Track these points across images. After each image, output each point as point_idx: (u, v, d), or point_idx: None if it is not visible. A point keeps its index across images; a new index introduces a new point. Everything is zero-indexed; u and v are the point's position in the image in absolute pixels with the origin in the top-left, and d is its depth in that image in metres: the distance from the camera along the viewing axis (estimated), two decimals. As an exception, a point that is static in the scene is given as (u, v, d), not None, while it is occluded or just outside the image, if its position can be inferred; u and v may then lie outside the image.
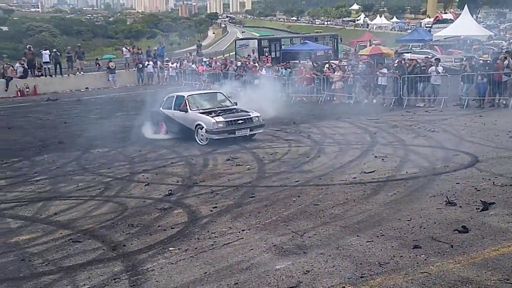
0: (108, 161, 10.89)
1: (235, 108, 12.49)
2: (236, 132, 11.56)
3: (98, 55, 43.68)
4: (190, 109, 12.24)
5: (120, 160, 11.00)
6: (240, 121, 11.67)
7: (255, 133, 12.12)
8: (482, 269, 4.22)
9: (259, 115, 12.00)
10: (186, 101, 12.43)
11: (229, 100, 13.13)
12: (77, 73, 27.70)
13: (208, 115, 11.85)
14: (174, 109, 12.72)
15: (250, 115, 11.88)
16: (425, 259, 4.55)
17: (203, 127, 11.66)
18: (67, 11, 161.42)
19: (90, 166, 10.48)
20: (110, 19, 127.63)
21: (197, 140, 11.91)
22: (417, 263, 4.49)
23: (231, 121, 11.61)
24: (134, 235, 6.06)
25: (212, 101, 12.93)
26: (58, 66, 26.77)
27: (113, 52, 50.45)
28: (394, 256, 4.68)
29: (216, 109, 12.32)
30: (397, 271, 4.35)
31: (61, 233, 6.40)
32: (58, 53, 27.28)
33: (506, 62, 14.87)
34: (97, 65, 29.64)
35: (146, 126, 13.74)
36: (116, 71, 28.25)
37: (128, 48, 31.61)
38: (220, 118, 11.60)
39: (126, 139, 13.39)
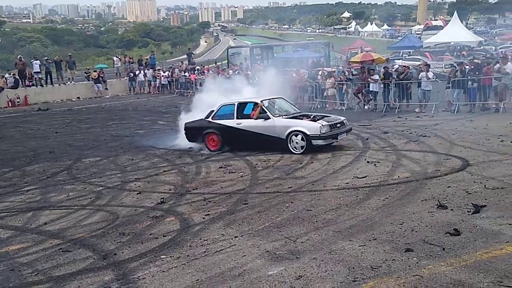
0: (100, 170, 10.82)
1: (311, 114, 11.73)
2: (339, 136, 10.78)
3: (90, 65, 43.63)
4: (273, 116, 11.08)
5: (112, 169, 10.93)
6: (339, 125, 10.88)
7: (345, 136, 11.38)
8: (475, 272, 4.22)
9: (346, 119, 11.40)
10: (262, 107, 11.19)
11: (293, 105, 12.36)
12: (68, 82, 27.62)
13: (302, 120, 10.92)
14: (238, 118, 11.44)
15: (342, 119, 11.15)
16: (417, 262, 4.54)
17: (302, 133, 10.53)
18: (58, 22, 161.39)
19: (81, 175, 10.41)
20: (102, 29, 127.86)
21: (291, 148, 10.71)
22: (409, 266, 4.47)
23: (333, 124, 10.73)
24: (125, 243, 6.00)
25: (284, 107, 11.85)
26: (48, 76, 26.69)
27: (104, 62, 50.34)
28: (386, 260, 4.67)
29: (298, 114, 11.45)
30: (389, 274, 4.34)
31: (51, 242, 6.33)
32: (50, 62, 27.16)
33: (496, 66, 15.01)
34: (86, 73, 29.57)
35: (179, 141, 12.61)
36: (102, 80, 28.13)
37: (119, 57, 31.64)
38: (324, 122, 10.65)
39: (118, 148, 13.36)
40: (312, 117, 11.14)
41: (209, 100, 12.85)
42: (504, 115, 13.71)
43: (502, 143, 9.83)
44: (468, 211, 5.87)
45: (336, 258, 4.86)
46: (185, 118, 13.08)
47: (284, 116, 11.15)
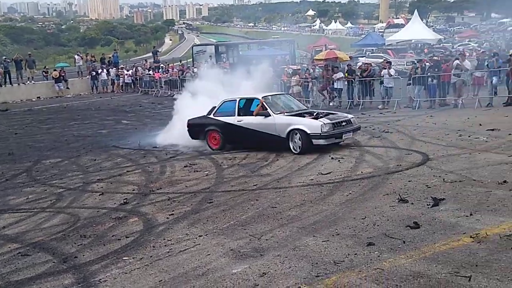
0: (61, 171, 10.55)
1: (315, 111, 10.96)
2: (343, 135, 10.06)
3: (51, 63, 42.50)
4: (274, 113, 10.43)
5: (73, 170, 10.68)
6: (344, 123, 10.18)
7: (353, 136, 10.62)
8: (433, 263, 4.32)
9: (354, 116, 10.87)
10: (263, 103, 10.52)
11: (299, 103, 11.83)
12: (28, 82, 26.79)
13: (303, 118, 10.22)
14: (239, 115, 10.86)
15: (348, 117, 10.51)
16: (379, 256, 4.62)
17: (302, 132, 9.85)
18: (17, 20, 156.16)
19: (41, 177, 10.12)
20: (63, 27, 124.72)
21: (292, 148, 10.08)
22: (371, 259, 4.55)
23: (337, 123, 10.02)
24: (86, 246, 5.86)
25: (287, 104, 11.26)
26: (7, 75, 25.81)
27: (66, 60, 49.12)
28: (348, 254, 4.73)
29: (302, 111, 10.77)
30: (351, 268, 4.40)
31: (9, 247, 6.12)
32: (9, 61, 26.28)
33: (454, 63, 15.46)
34: (44, 72, 28.74)
35: (174, 138, 12.12)
36: (63, 80, 27.43)
37: (80, 55, 30.87)
38: (326, 120, 9.96)
39: (80, 148, 13.06)
40: (315, 114, 10.46)
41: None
42: (462, 110, 14.14)
43: (460, 138, 10.13)
44: (427, 205, 6.01)
45: (300, 254, 4.89)
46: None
47: (286, 113, 10.50)
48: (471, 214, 5.49)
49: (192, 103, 12.82)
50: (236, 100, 11.12)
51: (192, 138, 11.74)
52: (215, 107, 11.36)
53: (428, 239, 4.92)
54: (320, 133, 9.76)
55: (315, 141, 9.85)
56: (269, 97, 11.08)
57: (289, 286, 4.20)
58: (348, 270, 4.38)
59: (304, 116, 10.33)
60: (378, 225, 5.49)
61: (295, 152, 9.98)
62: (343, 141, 10.24)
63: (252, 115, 10.67)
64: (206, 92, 12.83)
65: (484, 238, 4.74)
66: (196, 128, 11.60)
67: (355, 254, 4.74)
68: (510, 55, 15.24)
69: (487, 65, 15.30)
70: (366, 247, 4.87)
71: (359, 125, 10.69)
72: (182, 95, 14.52)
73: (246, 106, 11.05)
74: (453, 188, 6.62)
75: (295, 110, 10.88)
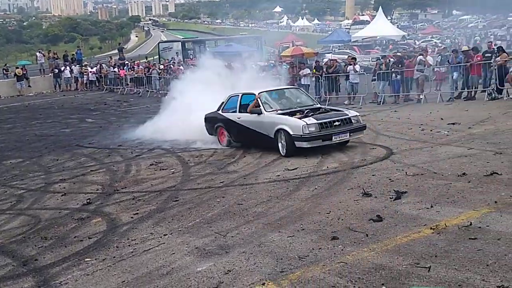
0: (22, 172, 10.26)
1: (321, 108, 10.06)
2: (334, 137, 8.99)
3: (12, 61, 41.18)
4: (265, 110, 9.68)
5: (35, 170, 10.39)
6: (337, 123, 9.13)
7: (354, 138, 9.57)
8: (394, 255, 4.40)
9: (357, 114, 9.70)
10: (258, 99, 9.80)
11: (311, 98, 10.81)
12: (-13, 80, 25.92)
13: (291, 116, 9.36)
14: (240, 112, 10.22)
15: (348, 115, 9.42)
16: (342, 249, 4.67)
17: (286, 133, 9.08)
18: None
19: (1, 178, 9.83)
20: (24, 24, 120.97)
21: (280, 150, 9.33)
22: (335, 253, 4.59)
23: (325, 123, 9.03)
24: (47, 248, 5.71)
25: (290, 100, 10.36)
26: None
27: (28, 58, 47.71)
28: (313, 249, 4.76)
29: (299, 108, 9.80)
30: (316, 263, 4.43)
31: (-34, 251, 5.90)
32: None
33: (418, 59, 15.79)
34: (4, 70, 27.83)
35: (191, 133, 11.54)
36: (25, 77, 26.64)
37: (42, 53, 30.04)
38: (311, 120, 9.03)
39: (42, 148, 12.72)
40: (306, 112, 9.49)
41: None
42: (425, 105, 14.47)
43: (422, 132, 10.36)
44: (390, 198, 6.12)
45: (265, 250, 4.90)
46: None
47: (279, 111, 9.67)
48: (431, 206, 5.62)
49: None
50: (239, 95, 10.53)
51: (208, 133, 11.36)
52: (223, 102, 10.88)
53: (390, 231, 5.01)
54: (302, 135, 8.88)
55: (297, 143, 9.00)
56: (270, 92, 10.29)
57: (253, 282, 4.20)
58: (312, 264, 4.41)
59: (294, 115, 9.42)
60: (342, 219, 5.55)
61: (282, 154, 9.28)
62: (335, 143, 9.19)
63: (251, 112, 9.96)
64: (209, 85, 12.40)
65: (444, 229, 4.86)
66: (209, 123, 11.24)
67: (320, 248, 4.78)
68: (463, 50, 15.68)
69: (448, 60, 15.71)
70: (330, 241, 4.92)
71: (363, 124, 9.60)
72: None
73: (248, 102, 10.23)
74: (415, 181, 6.76)
75: (295, 107, 9.94)
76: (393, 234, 4.93)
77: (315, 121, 9.02)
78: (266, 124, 9.57)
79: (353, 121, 9.36)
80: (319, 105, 10.32)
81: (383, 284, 3.87)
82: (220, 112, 10.86)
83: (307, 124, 8.93)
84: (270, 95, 10.24)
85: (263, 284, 4.14)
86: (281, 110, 9.77)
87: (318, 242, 4.95)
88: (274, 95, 10.37)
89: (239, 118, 10.24)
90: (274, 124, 9.37)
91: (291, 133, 9.01)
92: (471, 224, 4.91)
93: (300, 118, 9.13)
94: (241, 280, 4.27)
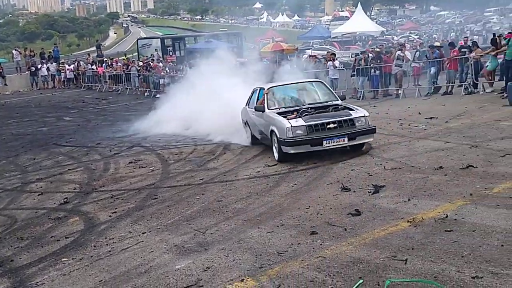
0: (-3, 172, 10.05)
1: (336, 105, 8.74)
2: (325, 142, 7.82)
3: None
4: (268, 108, 8.80)
5: (11, 170, 10.21)
6: (332, 125, 7.91)
7: (361, 143, 8.30)
8: (372, 249, 4.43)
9: (366, 114, 8.21)
10: (265, 95, 9.00)
11: (333, 93, 9.51)
12: (-39, 79, 25.31)
13: (286, 116, 8.32)
14: (254, 108, 9.36)
15: (351, 116, 8.09)
16: (321, 244, 4.69)
17: (275, 136, 8.23)
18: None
19: (-25, 179, 9.59)
20: (0, 21, 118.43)
21: (274, 154, 8.51)
22: (313, 248, 4.61)
23: (316, 125, 7.89)
24: (23, 248, 5.61)
25: (304, 95, 9.31)
26: None
27: (4, 56, 46.73)
28: (292, 244, 4.77)
29: (305, 107, 8.69)
30: (294, 258, 4.44)
31: None
32: None
33: (396, 54, 15.95)
34: None
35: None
36: (1, 76, 26.11)
37: (19, 50, 29.45)
38: (299, 122, 7.95)
39: (19, 147, 12.49)
40: (302, 112, 8.37)
41: None
42: (404, 100, 14.63)
43: (401, 126, 10.46)
44: (368, 192, 6.16)
45: (244, 247, 4.89)
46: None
47: (281, 109, 8.76)
48: (409, 200, 5.68)
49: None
50: (258, 89, 9.79)
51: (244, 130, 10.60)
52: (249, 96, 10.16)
53: (368, 225, 5.05)
54: (286, 138, 7.90)
55: (283, 148, 8.08)
56: (281, 87, 9.37)
57: (232, 279, 4.18)
58: (291, 259, 4.42)
59: (292, 114, 8.35)
60: (321, 214, 5.57)
61: (276, 160, 8.44)
62: (327, 148, 7.97)
63: (256, 109, 9.24)
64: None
65: (420, 222, 4.92)
66: (242, 118, 10.54)
67: (298, 243, 4.79)
68: (436, 46, 15.90)
69: (426, 55, 15.90)
70: (309, 236, 4.93)
71: (371, 126, 8.19)
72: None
73: (259, 97, 9.53)
74: (393, 175, 6.82)
75: (302, 104, 8.88)
76: (371, 228, 4.97)
77: (302, 122, 7.93)
78: (265, 123, 8.80)
79: (357, 123, 8.05)
80: (336, 102, 8.90)
81: (360, 278, 3.89)
82: (246, 107, 10.15)
83: (291, 126, 7.87)
84: (280, 91, 9.27)
85: (242, 280, 4.13)
86: (284, 107, 8.80)
87: (297, 237, 4.96)
88: (285, 90, 9.32)
89: (252, 114, 9.52)
90: (269, 124, 8.57)
91: (278, 136, 8.12)
92: (447, 216, 4.98)
93: (289, 119, 8.09)
94: (220, 276, 4.25)
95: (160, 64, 23.41)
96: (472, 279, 3.66)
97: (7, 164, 10.83)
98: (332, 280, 3.92)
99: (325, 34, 40.83)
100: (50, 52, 29.77)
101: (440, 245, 4.32)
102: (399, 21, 64.99)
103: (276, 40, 33.67)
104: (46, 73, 26.82)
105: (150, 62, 23.49)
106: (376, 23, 49.20)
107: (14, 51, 30.00)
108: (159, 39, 33.98)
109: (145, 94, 22.14)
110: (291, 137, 7.89)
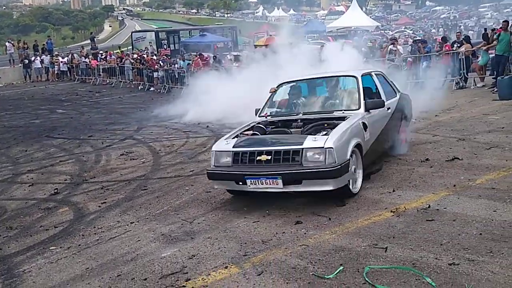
0: (-12, 163, 10.07)
1: (329, 122, 5.97)
2: (249, 181, 5.41)
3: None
4: (260, 113, 6.95)
5: (3, 161, 10.22)
6: (264, 156, 5.39)
7: (311, 191, 5.46)
8: (355, 237, 4.52)
9: (327, 146, 5.22)
10: (270, 95, 7.17)
11: (359, 98, 6.33)
12: (-47, 71, 25.19)
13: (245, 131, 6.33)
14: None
15: (300, 145, 5.33)
16: (305, 233, 4.77)
17: None
18: None
19: (-34, 170, 9.61)
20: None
21: None
22: (297, 237, 4.68)
23: (244, 153, 5.56)
24: (12, 237, 5.66)
25: (312, 99, 6.94)
26: None
27: (-3, 48, 46.53)
28: (277, 233, 4.85)
29: (297, 117, 6.46)
30: (278, 246, 4.51)
31: None
32: None
33: (389, 48, 16.03)
34: None
35: None
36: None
37: (12, 42, 29.31)
38: (229, 145, 5.79)
39: (11, 139, 12.50)
40: (256, 128, 6.38)
41: None
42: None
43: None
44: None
45: (230, 236, 4.96)
46: None
47: (267, 117, 6.80)
48: (393, 191, 5.76)
49: None
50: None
51: None
52: None
53: (352, 215, 5.13)
54: (210, 167, 5.96)
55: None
56: (295, 85, 7.13)
57: (217, 266, 4.26)
58: (275, 247, 4.49)
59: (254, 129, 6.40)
60: (307, 204, 5.65)
61: None
62: (252, 191, 5.61)
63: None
64: None
65: (403, 212, 5.00)
66: None
67: (283, 232, 4.86)
68: (418, 40, 15.99)
69: (418, 50, 15.98)
70: (294, 226, 5.01)
71: (332, 166, 5.18)
72: None
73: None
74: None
75: (298, 113, 6.62)
76: (355, 217, 5.05)
77: (229, 147, 5.73)
78: None
79: (305, 158, 5.26)
80: (347, 114, 6.20)
81: (341, 265, 3.97)
82: None
83: (215, 151, 5.87)
84: (287, 90, 7.15)
85: (226, 267, 4.20)
86: (273, 116, 6.78)
87: (282, 226, 5.04)
88: (295, 89, 7.12)
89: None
90: None
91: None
92: (429, 206, 5.07)
93: (228, 138, 6.06)
94: (204, 264, 4.32)
95: (154, 57, 23.39)
96: (449, 266, 3.75)
97: (-1, 155, 10.84)
98: (314, 267, 4.00)
99: (320, 29, 40.92)
100: (43, 44, 29.64)
101: (421, 234, 4.41)
102: (395, 16, 65.14)
103: (270, 34, 33.64)
104: (40, 66, 26.72)
105: (144, 55, 23.47)
106: (371, 18, 49.26)
107: (7, 43, 29.83)
108: (154, 32, 33.93)
109: (139, 87, 22.14)
110: (214, 166, 5.83)
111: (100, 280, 4.26)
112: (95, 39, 35.76)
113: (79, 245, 5.20)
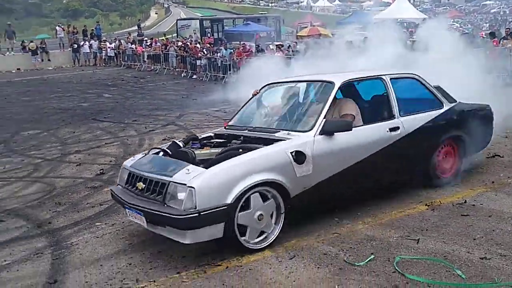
0: (39, 143, 10.62)
1: (276, 141, 4.65)
2: (126, 207, 4.61)
3: (33, 35, 41.73)
4: (229, 122, 5.92)
5: (52, 141, 10.75)
6: (141, 184, 4.49)
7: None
8: (387, 228, 4.59)
9: (191, 186, 3.98)
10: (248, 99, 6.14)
11: (323, 111, 4.80)
12: (7, 53, 26.39)
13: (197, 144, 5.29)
14: None
15: (169, 178, 4.21)
16: (338, 222, 4.87)
17: None
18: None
19: (19, 148, 10.19)
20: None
21: None
22: (330, 225, 4.79)
23: (133, 175, 4.74)
24: (61, 213, 6.03)
25: (281, 111, 5.47)
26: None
27: (48, 32, 48.28)
28: (309, 221, 4.97)
29: (241, 133, 5.18)
30: (311, 233, 4.64)
31: (-16, 214, 6.25)
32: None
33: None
34: (22, 46, 28.18)
35: None
36: (44, 51, 27.08)
37: (62, 27, 30.41)
38: (131, 162, 5.08)
39: (60, 121, 13.09)
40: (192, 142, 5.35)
41: None
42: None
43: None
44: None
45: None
46: None
47: (232, 128, 5.60)
48: (430, 185, 5.76)
49: None
50: None
51: None
52: None
53: (387, 207, 5.18)
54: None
55: None
56: (277, 88, 5.92)
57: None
58: (307, 235, 4.62)
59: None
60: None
61: None
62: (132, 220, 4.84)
63: None
64: None
65: (438, 206, 5.02)
66: None
67: (316, 220, 4.98)
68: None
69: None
70: (328, 215, 5.11)
71: (197, 212, 3.97)
72: None
73: None
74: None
75: (249, 127, 5.26)
76: (388, 209, 5.10)
77: (129, 164, 5.00)
78: None
79: (170, 196, 4.15)
80: (282, 137, 4.70)
81: (372, 253, 4.06)
82: None
83: (123, 165, 5.14)
84: (267, 95, 5.89)
85: (260, 250, 4.37)
86: (228, 127, 5.62)
87: (315, 215, 5.15)
88: (274, 96, 5.84)
89: None
90: None
91: None
92: (465, 202, 5.06)
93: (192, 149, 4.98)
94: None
95: (198, 46, 23.75)
96: (480, 260, 3.78)
97: (49, 136, 11.39)
98: (345, 255, 4.11)
99: (364, 20, 40.17)
100: (92, 30, 30.60)
101: (454, 228, 4.43)
102: (443, 9, 63.13)
103: (314, 25, 33.43)
104: (88, 51, 27.63)
105: (188, 43, 23.85)
106: (418, 10, 47.97)
107: (57, 28, 30.98)
108: (198, 21, 34.33)
109: (182, 74, 22.57)
110: (118, 183, 5.10)
111: (141, 256, 4.52)
112: (141, 26, 36.57)
113: (123, 222, 5.49)
